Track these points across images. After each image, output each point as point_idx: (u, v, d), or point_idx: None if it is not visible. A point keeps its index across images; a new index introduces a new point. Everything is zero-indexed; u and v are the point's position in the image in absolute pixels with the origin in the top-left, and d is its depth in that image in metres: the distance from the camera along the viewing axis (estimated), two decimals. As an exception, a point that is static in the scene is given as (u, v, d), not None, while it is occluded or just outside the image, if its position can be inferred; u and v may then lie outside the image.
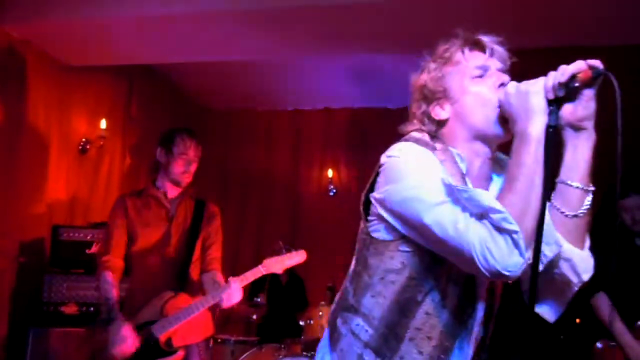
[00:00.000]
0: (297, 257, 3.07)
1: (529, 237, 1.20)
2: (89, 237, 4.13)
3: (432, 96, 1.45)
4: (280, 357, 3.68)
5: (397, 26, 3.78)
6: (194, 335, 2.94)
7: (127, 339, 2.64)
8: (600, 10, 3.60)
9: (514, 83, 1.33)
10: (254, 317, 4.35)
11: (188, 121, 4.89)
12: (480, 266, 1.19)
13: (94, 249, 4.03)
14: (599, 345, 3.14)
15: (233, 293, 2.82)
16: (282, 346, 3.86)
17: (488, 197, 1.22)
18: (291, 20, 3.77)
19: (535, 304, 1.27)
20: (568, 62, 1.27)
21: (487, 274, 1.20)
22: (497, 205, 1.19)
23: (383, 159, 1.40)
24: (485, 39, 1.43)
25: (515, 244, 1.17)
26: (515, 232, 1.17)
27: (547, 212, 1.23)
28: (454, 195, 1.25)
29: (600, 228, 3.32)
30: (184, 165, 2.95)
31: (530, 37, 3.69)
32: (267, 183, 6.32)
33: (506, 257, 1.18)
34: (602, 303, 3.12)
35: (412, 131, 1.46)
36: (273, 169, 6.35)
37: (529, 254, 1.21)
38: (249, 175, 6.34)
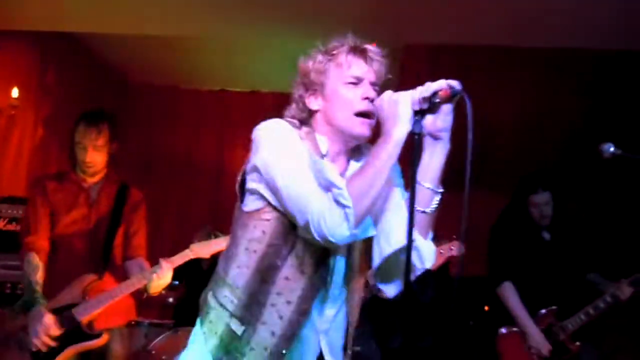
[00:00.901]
0: (225, 243, 3.01)
1: (361, 217, 1.39)
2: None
3: (310, 86, 1.60)
4: (197, 340, 3.61)
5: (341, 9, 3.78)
6: (116, 318, 2.87)
7: (50, 328, 2.53)
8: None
9: (389, 92, 1.49)
10: (171, 300, 4.25)
11: (107, 95, 4.68)
12: (312, 228, 1.38)
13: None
14: (502, 330, 3.31)
15: (164, 273, 2.75)
16: (199, 330, 3.79)
17: (334, 173, 1.44)
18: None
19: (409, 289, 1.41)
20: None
21: (317, 236, 1.39)
22: (339, 182, 1.40)
23: (253, 132, 1.57)
24: (371, 51, 1.59)
25: (346, 218, 1.36)
26: (349, 207, 1.36)
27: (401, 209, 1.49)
28: (308, 165, 1.45)
29: (509, 222, 3.51)
30: (82, 155, 2.86)
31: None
32: (191, 165, 6.16)
33: (336, 227, 1.37)
34: (507, 291, 3.29)
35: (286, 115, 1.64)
36: (197, 150, 6.21)
37: (357, 231, 1.40)
38: (172, 154, 6.15)
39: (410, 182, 1.40)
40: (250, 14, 3.92)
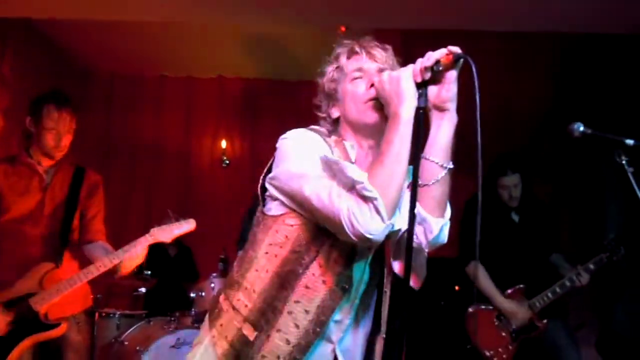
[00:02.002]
0: (186, 226, 2.97)
1: (391, 205, 1.34)
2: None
3: (329, 97, 1.64)
4: (170, 329, 3.59)
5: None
6: (72, 306, 2.80)
7: None
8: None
9: (387, 71, 1.47)
10: (142, 290, 4.20)
11: (68, 84, 4.53)
12: (347, 230, 1.33)
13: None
14: (470, 309, 3.39)
15: (137, 251, 2.72)
16: (172, 319, 3.77)
17: (353, 169, 1.38)
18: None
19: (408, 273, 1.36)
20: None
21: (353, 237, 1.33)
22: (359, 177, 1.34)
23: (278, 142, 1.55)
24: (363, 44, 1.60)
25: (377, 210, 1.31)
26: (376, 199, 1.31)
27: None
28: (330, 169, 1.41)
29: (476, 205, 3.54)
30: (54, 140, 2.78)
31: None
32: (156, 153, 6.06)
33: (369, 222, 1.31)
34: (477, 270, 3.37)
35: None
36: (163, 138, 6.09)
37: (392, 220, 1.35)
38: (137, 144, 6.03)
39: (413, 160, 1.37)
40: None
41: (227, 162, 6.07)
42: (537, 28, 4.16)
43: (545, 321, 3.26)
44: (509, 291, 3.31)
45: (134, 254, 2.72)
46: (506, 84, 4.65)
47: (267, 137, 1.55)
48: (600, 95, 4.51)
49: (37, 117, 2.77)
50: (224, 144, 6.13)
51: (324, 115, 1.65)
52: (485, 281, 3.31)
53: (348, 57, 1.61)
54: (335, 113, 1.62)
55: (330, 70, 1.64)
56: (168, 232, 2.90)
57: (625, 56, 4.40)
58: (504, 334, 3.29)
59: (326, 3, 3.87)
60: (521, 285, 3.32)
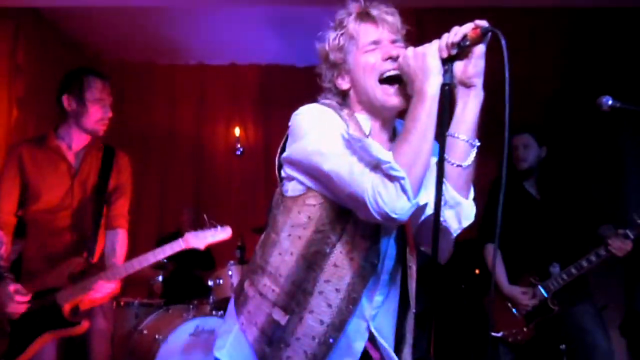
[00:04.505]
0: (222, 234, 2.93)
1: (417, 184, 1.31)
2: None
3: (334, 67, 1.56)
4: (189, 317, 3.58)
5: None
6: (101, 297, 2.71)
7: (16, 295, 2.43)
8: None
9: (412, 47, 1.42)
10: (160, 278, 4.19)
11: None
12: (372, 209, 1.29)
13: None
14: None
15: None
16: (190, 307, 3.76)
17: (378, 147, 1.32)
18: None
19: (435, 253, 1.33)
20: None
21: (378, 217, 1.30)
22: (384, 156, 1.30)
23: (291, 119, 1.49)
24: (375, 11, 1.52)
25: (403, 190, 1.28)
26: (402, 178, 1.27)
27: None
28: (351, 146, 1.35)
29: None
30: (102, 111, 2.68)
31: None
32: (169, 141, 6.03)
33: (394, 201, 1.28)
34: (491, 252, 3.31)
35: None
36: (176, 127, 6.06)
37: (418, 199, 1.32)
38: (150, 133, 5.99)
39: (439, 138, 1.33)
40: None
41: (241, 150, 6.04)
42: (548, 2, 4.06)
43: (557, 304, 3.18)
44: (525, 273, 3.25)
45: (163, 259, 2.72)
46: (519, 61, 4.55)
47: (282, 124, 1.52)
48: (610, 70, 4.40)
49: (78, 92, 2.65)
50: (237, 131, 6.08)
51: (328, 85, 1.58)
52: (496, 265, 3.25)
53: (360, 22, 1.53)
54: (344, 85, 1.56)
55: (334, 36, 1.55)
56: (202, 239, 2.86)
57: (634, 30, 4.29)
58: (518, 316, 3.24)
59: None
60: (531, 272, 3.24)
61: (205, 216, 2.95)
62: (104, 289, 2.60)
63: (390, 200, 1.27)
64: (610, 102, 1.88)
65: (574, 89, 4.48)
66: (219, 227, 2.90)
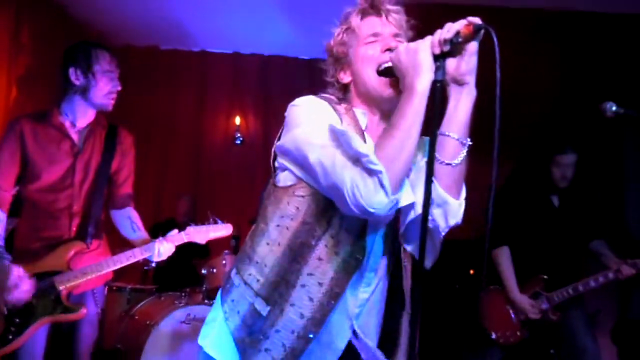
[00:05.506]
0: (223, 230, 2.94)
1: (397, 180, 1.30)
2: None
3: (338, 61, 1.57)
4: (181, 305, 3.57)
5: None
6: (95, 282, 2.66)
7: (22, 280, 2.33)
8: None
9: (405, 43, 1.42)
10: (153, 264, 4.18)
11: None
12: (349, 202, 1.29)
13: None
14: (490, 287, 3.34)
15: (166, 249, 2.68)
16: (183, 294, 3.76)
17: (358, 142, 1.32)
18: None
19: (423, 254, 1.30)
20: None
21: (356, 210, 1.30)
22: (364, 150, 1.29)
23: (287, 110, 1.50)
24: (381, 4, 1.53)
25: (381, 184, 1.27)
26: (380, 172, 1.27)
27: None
28: (337, 140, 1.34)
29: (519, 184, 3.44)
30: (112, 85, 2.61)
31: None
32: (169, 128, 6.01)
33: (372, 196, 1.27)
34: (502, 255, 3.28)
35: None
36: (176, 113, 6.03)
37: (398, 196, 1.31)
38: (150, 118, 5.94)
39: (430, 135, 1.30)
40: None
41: (241, 139, 6.02)
42: (547, 4, 4.02)
43: (558, 314, 3.20)
44: (532, 279, 3.24)
45: (167, 249, 2.67)
46: (515, 64, 4.54)
47: (282, 116, 1.52)
48: (608, 75, 4.38)
49: (85, 64, 2.55)
50: (237, 120, 6.07)
51: (331, 80, 1.59)
52: (506, 270, 3.24)
53: (361, 18, 1.54)
54: (345, 78, 1.57)
55: (339, 32, 1.56)
56: (204, 234, 2.85)
57: (632, 36, 4.27)
58: (514, 319, 3.24)
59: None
60: (544, 277, 3.24)
61: (209, 212, 2.96)
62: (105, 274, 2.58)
63: (368, 195, 1.27)
64: (614, 108, 1.86)
65: (573, 92, 4.47)
66: (220, 223, 2.90)
